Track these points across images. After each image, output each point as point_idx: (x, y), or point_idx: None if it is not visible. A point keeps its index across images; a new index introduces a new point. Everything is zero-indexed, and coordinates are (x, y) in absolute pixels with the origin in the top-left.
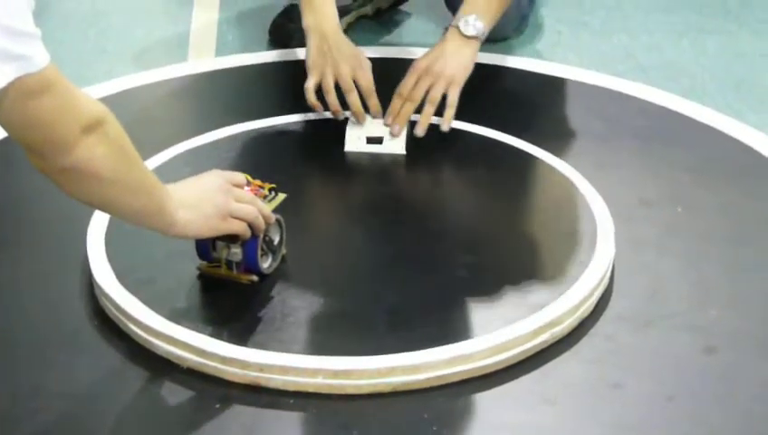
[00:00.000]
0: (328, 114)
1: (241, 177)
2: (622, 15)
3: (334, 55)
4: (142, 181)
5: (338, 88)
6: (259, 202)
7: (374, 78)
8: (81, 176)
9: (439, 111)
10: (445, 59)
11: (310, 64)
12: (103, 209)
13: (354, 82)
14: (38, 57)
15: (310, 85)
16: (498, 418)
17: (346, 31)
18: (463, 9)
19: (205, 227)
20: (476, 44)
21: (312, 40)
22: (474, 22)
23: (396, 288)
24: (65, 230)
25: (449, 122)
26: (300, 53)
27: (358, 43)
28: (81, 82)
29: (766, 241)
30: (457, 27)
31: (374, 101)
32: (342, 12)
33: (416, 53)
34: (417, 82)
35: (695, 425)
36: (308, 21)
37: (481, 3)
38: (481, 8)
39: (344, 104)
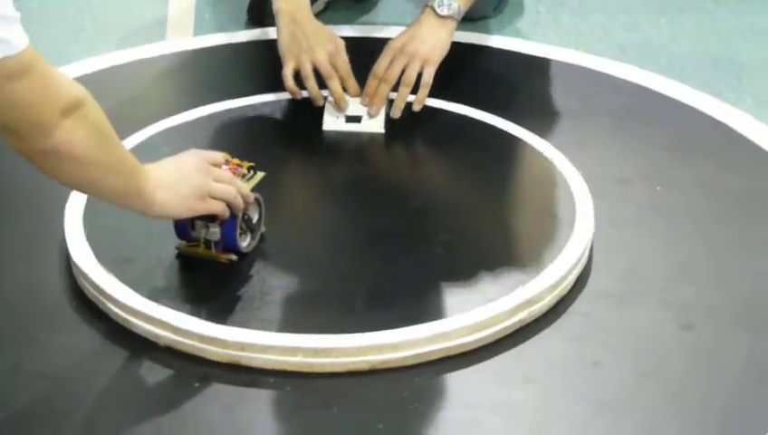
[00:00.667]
0: (305, 93)
1: (219, 156)
2: None
3: (310, 40)
4: (122, 162)
5: (315, 72)
6: (238, 181)
7: (351, 58)
8: (60, 158)
9: (414, 90)
10: (419, 39)
11: (284, 50)
12: (83, 190)
13: (332, 66)
14: (17, 40)
15: (288, 72)
16: (477, 395)
17: (324, 10)
18: None
19: (183, 207)
20: (452, 24)
21: (283, 25)
22: (449, 2)
23: (374, 267)
24: (43, 210)
25: (422, 102)
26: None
27: (334, 21)
28: (60, 61)
29: (744, 218)
30: (432, 7)
31: (353, 84)
32: None
33: (393, 32)
34: (391, 63)
35: (673, 401)
36: (279, 4)
37: None
38: None
39: (321, 85)
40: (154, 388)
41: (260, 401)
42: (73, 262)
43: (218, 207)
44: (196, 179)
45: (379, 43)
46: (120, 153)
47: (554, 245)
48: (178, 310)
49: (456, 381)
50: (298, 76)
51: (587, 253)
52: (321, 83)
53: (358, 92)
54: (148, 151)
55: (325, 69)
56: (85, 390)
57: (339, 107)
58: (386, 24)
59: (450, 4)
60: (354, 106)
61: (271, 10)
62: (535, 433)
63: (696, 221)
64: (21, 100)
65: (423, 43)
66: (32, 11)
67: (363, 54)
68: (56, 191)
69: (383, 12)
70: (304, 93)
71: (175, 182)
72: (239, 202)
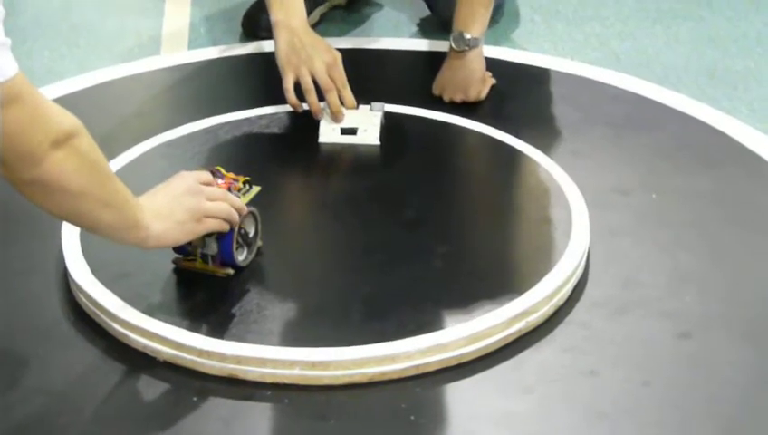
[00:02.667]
0: (305, 105)
1: (207, 174)
2: (595, 3)
3: (309, 52)
4: (113, 196)
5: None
6: (230, 196)
7: (346, 69)
8: (48, 189)
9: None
10: (453, 83)
11: (283, 62)
12: (73, 223)
13: (330, 77)
14: (6, 67)
15: (289, 86)
16: (475, 406)
17: (319, 22)
18: (454, 25)
19: (180, 233)
20: (473, 51)
21: (281, 36)
22: (460, 35)
23: (371, 279)
24: (40, 226)
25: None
26: (272, 45)
27: (329, 33)
28: (54, 77)
29: (740, 227)
30: (450, 45)
31: (349, 96)
32: (315, 2)
33: (387, 44)
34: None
35: (670, 410)
36: (277, 16)
37: (467, 17)
38: (467, 22)
39: (318, 96)
40: (152, 402)
41: (257, 414)
42: (71, 277)
43: (215, 225)
44: (190, 203)
45: (374, 55)
46: (113, 186)
47: (551, 255)
48: (176, 324)
49: (454, 393)
50: (297, 87)
51: (583, 262)
52: (319, 95)
53: (354, 104)
54: (145, 166)
55: (324, 81)
56: (83, 405)
57: (336, 119)
58: (380, 35)
59: (463, 38)
60: (350, 118)
61: (265, 22)
62: None
63: (692, 229)
64: (8, 128)
65: (456, 86)
66: (25, 27)
67: (358, 66)
68: None
69: (377, 24)
70: (304, 106)
71: (170, 211)
72: (234, 217)
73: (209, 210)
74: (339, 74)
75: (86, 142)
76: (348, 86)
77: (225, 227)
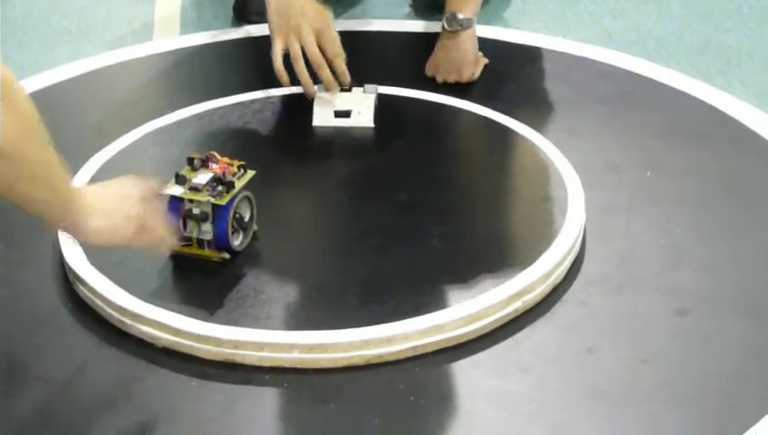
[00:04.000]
0: (296, 89)
1: (155, 186)
2: None
3: (297, 19)
4: (47, 170)
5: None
6: (167, 228)
7: None
8: None
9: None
10: (447, 62)
11: (273, 28)
12: (5, 196)
13: (320, 45)
14: None
15: (276, 52)
16: (473, 386)
17: None
18: (447, 6)
19: (117, 237)
20: (467, 33)
21: (271, 1)
22: (453, 16)
23: (368, 261)
24: None
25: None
26: (263, 30)
27: None
28: (46, 65)
29: (736, 202)
30: (443, 25)
31: (341, 65)
32: None
33: (381, 25)
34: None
35: (669, 387)
36: None
37: None
38: (460, 3)
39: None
40: (150, 388)
41: (256, 398)
42: (67, 265)
43: (150, 242)
44: (138, 210)
45: (366, 37)
46: (50, 159)
47: (547, 233)
48: (172, 310)
49: (452, 373)
50: (287, 57)
51: (579, 241)
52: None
53: (346, 76)
54: (138, 152)
55: (313, 54)
56: (81, 392)
57: (329, 91)
58: (372, 17)
59: (456, 18)
60: (344, 100)
61: (255, 7)
62: (533, 423)
63: (688, 206)
64: None
65: (450, 67)
66: (15, 19)
67: (350, 48)
68: None
69: (369, 5)
70: (293, 90)
71: (110, 210)
72: (167, 245)
73: (153, 226)
74: (330, 41)
75: (19, 95)
76: (340, 54)
77: (159, 250)
